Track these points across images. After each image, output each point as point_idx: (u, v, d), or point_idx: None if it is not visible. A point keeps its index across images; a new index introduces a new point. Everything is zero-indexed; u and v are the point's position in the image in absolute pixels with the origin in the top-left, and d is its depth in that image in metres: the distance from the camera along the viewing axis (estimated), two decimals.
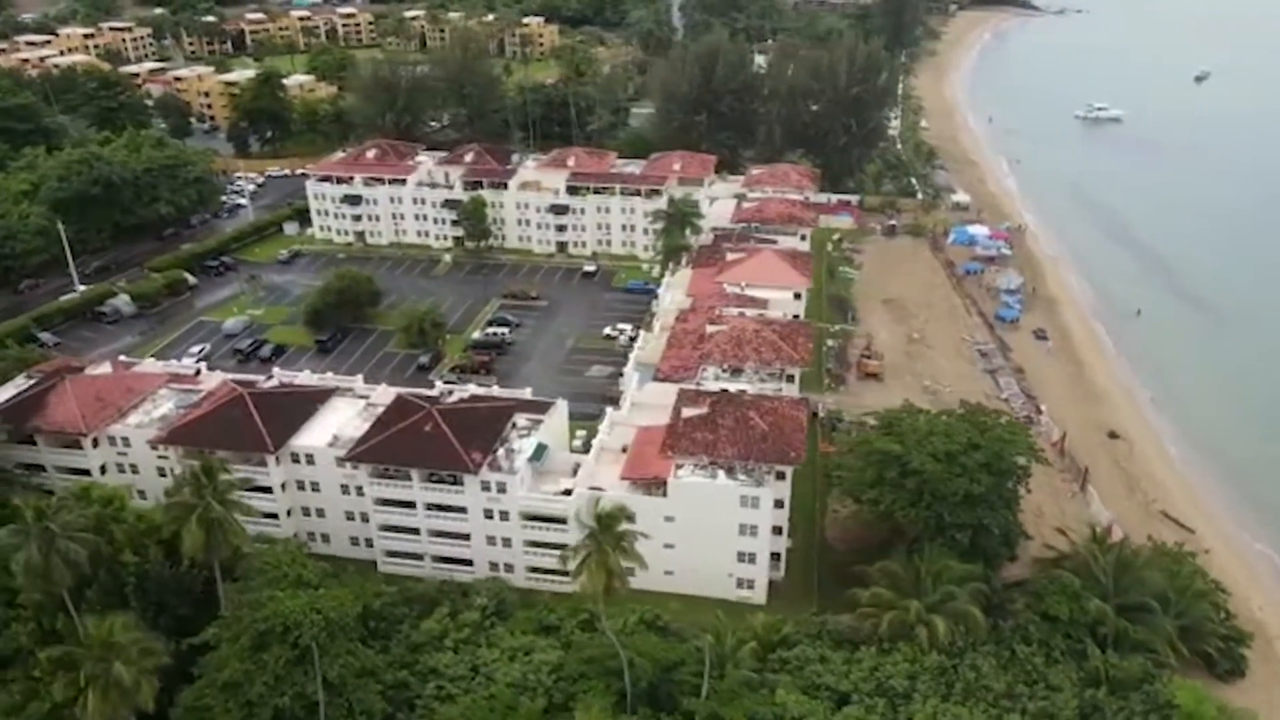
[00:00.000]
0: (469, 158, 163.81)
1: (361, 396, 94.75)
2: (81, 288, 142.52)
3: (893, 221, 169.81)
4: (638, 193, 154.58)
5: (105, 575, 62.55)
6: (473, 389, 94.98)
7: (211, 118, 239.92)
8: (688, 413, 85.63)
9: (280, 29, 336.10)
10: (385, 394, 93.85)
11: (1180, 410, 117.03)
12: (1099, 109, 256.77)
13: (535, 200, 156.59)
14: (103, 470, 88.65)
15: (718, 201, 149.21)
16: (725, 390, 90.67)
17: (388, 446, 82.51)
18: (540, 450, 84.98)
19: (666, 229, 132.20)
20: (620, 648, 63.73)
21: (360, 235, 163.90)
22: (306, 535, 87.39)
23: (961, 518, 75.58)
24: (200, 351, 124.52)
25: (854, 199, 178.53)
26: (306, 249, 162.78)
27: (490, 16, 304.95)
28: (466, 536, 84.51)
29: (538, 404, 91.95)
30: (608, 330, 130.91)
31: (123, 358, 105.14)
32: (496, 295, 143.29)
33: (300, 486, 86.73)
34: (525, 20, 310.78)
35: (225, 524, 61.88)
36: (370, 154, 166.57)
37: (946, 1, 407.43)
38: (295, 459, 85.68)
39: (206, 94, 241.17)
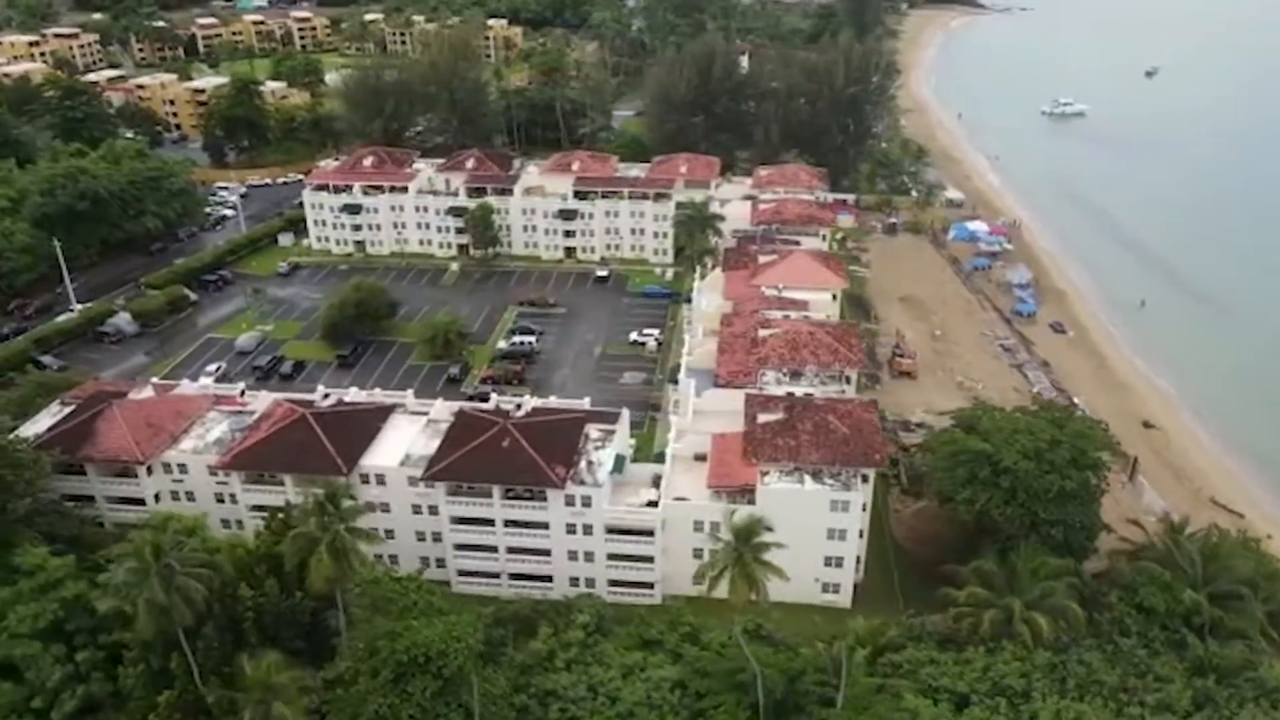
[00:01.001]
0: (470, 164, 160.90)
1: (418, 413, 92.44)
2: (78, 306, 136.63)
3: (893, 220, 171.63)
4: (646, 196, 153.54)
5: (219, 610, 59.67)
6: (534, 401, 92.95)
7: (178, 127, 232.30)
8: (763, 418, 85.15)
9: (233, 34, 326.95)
10: (443, 409, 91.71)
11: (1202, 399, 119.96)
12: (1064, 104, 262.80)
13: (542, 205, 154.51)
14: (156, 499, 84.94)
15: (731, 203, 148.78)
16: (792, 394, 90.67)
17: (467, 463, 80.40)
18: (620, 461, 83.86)
19: (689, 232, 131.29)
20: (753, 660, 62.86)
21: (360, 245, 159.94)
22: (374, 557, 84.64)
23: (1054, 514, 76.40)
24: (217, 370, 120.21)
25: (850, 198, 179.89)
26: (305, 260, 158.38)
27: (455, 19, 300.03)
28: (547, 552, 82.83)
29: (603, 414, 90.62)
30: (634, 336, 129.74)
31: (155, 380, 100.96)
32: (513, 303, 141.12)
33: (370, 508, 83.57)
34: (490, 22, 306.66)
35: (353, 553, 59.54)
36: (367, 161, 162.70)
37: (898, 1, 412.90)
38: (365, 480, 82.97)
39: (172, 102, 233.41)
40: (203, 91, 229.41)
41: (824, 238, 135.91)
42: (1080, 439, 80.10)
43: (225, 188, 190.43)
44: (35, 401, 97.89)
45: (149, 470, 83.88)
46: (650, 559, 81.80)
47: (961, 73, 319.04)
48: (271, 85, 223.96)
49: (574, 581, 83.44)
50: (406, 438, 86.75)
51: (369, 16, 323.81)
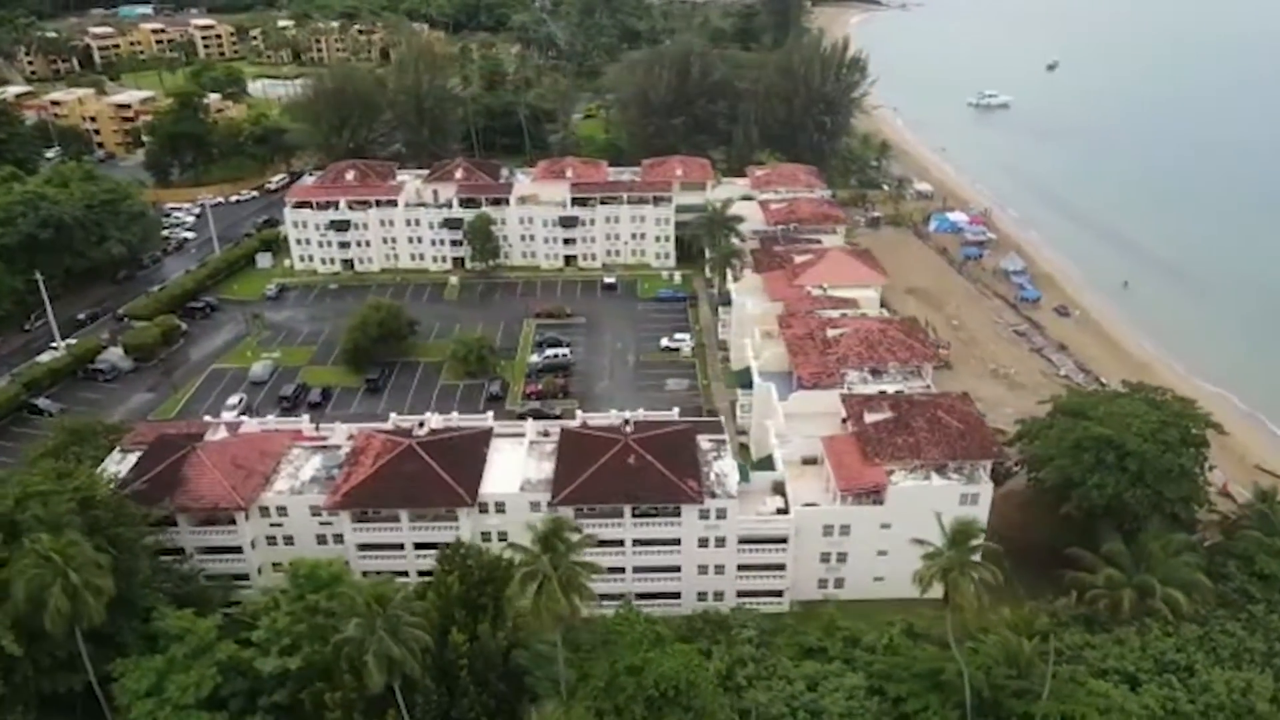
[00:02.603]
0: (459, 174, 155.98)
1: (504, 434, 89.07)
2: (62, 343, 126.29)
3: (875, 214, 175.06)
4: (645, 200, 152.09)
5: (430, 659, 55.87)
6: (626, 415, 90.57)
7: (101, 145, 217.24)
8: (870, 418, 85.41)
9: (132, 44, 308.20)
10: (533, 428, 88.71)
11: (1216, 372, 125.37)
12: (989, 96, 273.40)
13: (542, 214, 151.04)
14: (253, 545, 79.32)
15: (733, 204, 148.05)
16: (884, 392, 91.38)
17: (597, 484, 77.93)
18: (745, 471, 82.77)
19: (711, 235, 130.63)
20: (961, 659, 63.00)
21: (348, 263, 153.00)
22: None
23: (1175, 492, 79.34)
24: (239, 403, 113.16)
25: (826, 193, 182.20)
26: (291, 281, 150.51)
27: (379, 24, 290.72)
28: (676, 569, 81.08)
29: (704, 424, 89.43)
30: (664, 342, 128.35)
31: (208, 416, 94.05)
32: (529, 315, 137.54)
33: (485, 537, 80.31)
34: (415, 27, 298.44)
35: (582, 588, 56.57)
36: (349, 175, 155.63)
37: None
38: (483, 509, 79.40)
39: (93, 119, 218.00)
40: (128, 107, 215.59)
41: (838, 234, 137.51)
42: (1183, 418, 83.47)
43: (178, 208, 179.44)
44: (70, 449, 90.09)
45: (246, 515, 78.17)
46: (782, 566, 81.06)
47: (880, 68, 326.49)
48: (212, 97, 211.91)
49: (701, 596, 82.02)
50: (515, 461, 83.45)
51: (282, 23, 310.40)
